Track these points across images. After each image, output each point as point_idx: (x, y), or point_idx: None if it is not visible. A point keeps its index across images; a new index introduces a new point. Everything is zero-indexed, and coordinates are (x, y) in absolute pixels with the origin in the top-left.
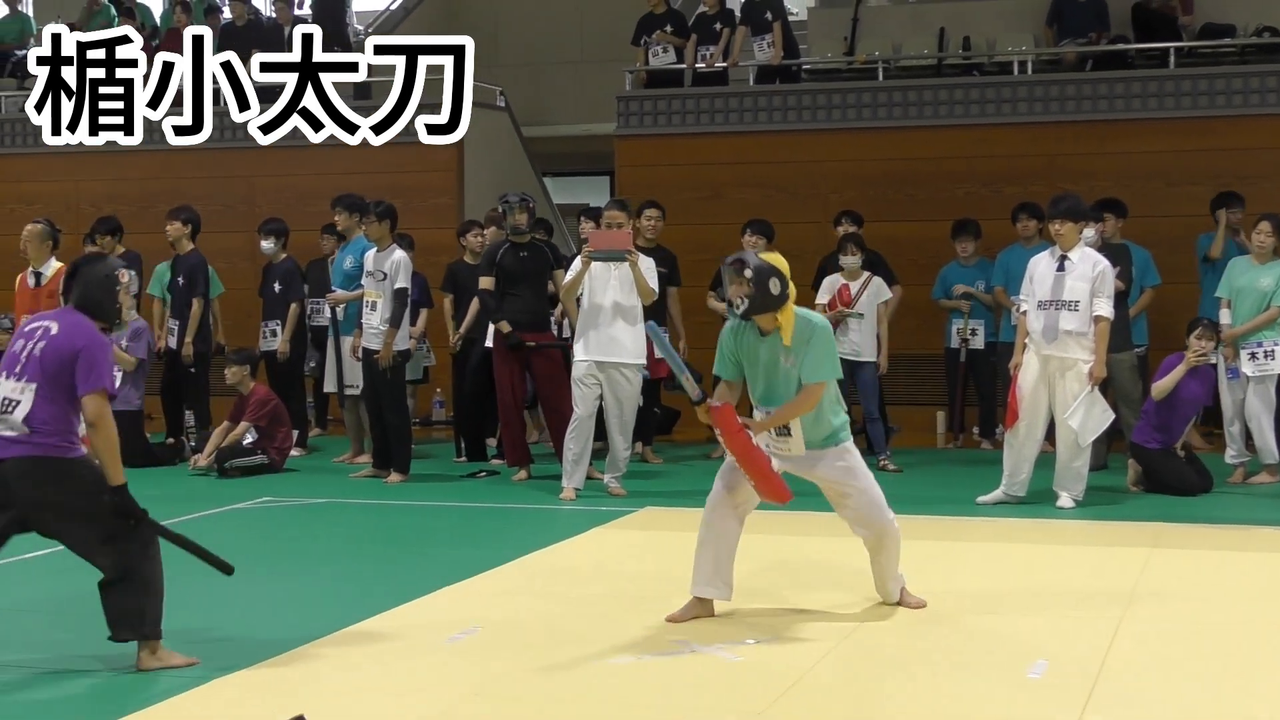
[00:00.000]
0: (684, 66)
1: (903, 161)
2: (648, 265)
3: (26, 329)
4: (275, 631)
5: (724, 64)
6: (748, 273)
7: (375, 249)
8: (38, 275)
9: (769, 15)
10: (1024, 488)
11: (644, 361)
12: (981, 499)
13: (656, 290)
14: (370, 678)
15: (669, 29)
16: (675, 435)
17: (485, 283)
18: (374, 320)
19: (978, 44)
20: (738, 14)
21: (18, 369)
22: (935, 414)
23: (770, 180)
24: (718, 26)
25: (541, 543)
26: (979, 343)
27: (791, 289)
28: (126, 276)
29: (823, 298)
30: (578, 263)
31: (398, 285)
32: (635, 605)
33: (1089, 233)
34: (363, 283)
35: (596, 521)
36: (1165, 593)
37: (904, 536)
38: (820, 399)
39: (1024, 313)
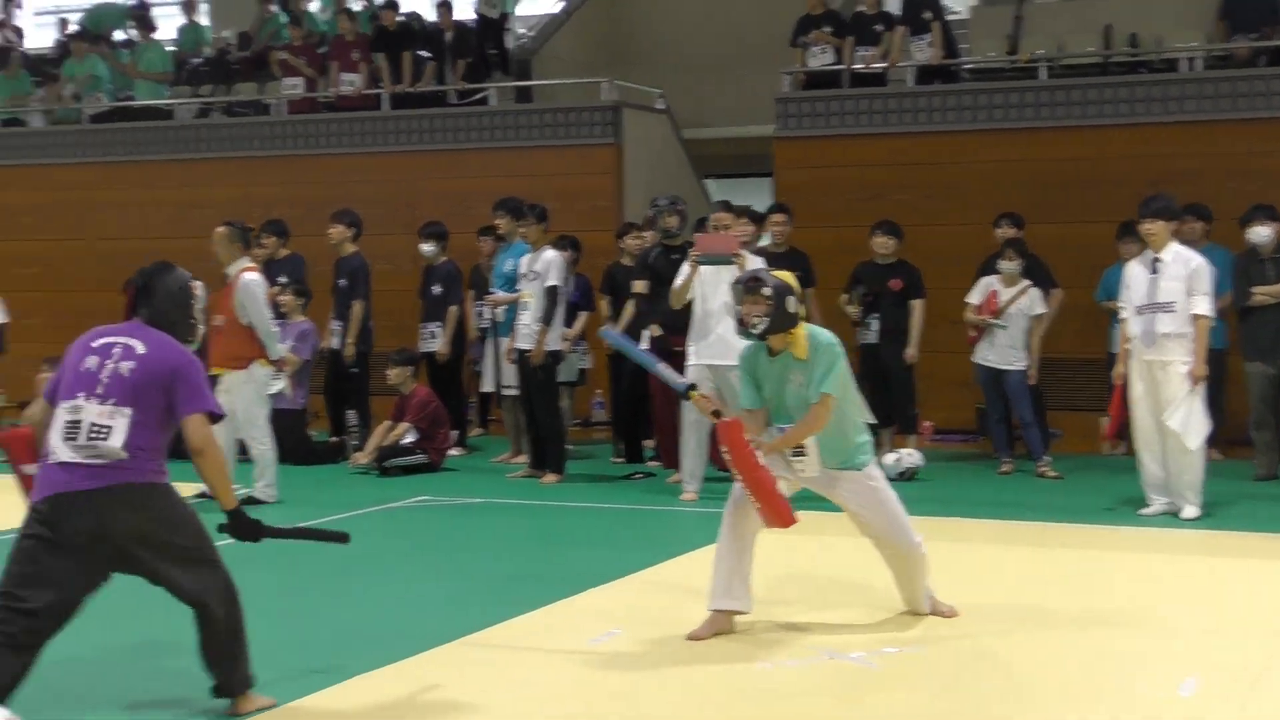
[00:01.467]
0: (843, 67)
1: (1066, 162)
2: (756, 267)
3: (96, 344)
4: (419, 629)
5: (883, 64)
6: (766, 291)
7: (531, 251)
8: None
9: (928, 14)
10: (1164, 494)
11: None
12: (1142, 511)
13: None
14: (508, 677)
15: (827, 29)
16: None
17: (639, 286)
18: (526, 319)
19: (1145, 41)
20: (897, 14)
21: (100, 390)
22: (1099, 419)
23: (930, 181)
24: (877, 27)
25: (691, 545)
26: None
27: (801, 308)
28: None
29: (974, 298)
30: (685, 267)
31: (549, 283)
32: (776, 610)
33: (1265, 230)
34: (518, 285)
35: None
36: None
37: (1058, 545)
38: (830, 416)
39: (1123, 320)
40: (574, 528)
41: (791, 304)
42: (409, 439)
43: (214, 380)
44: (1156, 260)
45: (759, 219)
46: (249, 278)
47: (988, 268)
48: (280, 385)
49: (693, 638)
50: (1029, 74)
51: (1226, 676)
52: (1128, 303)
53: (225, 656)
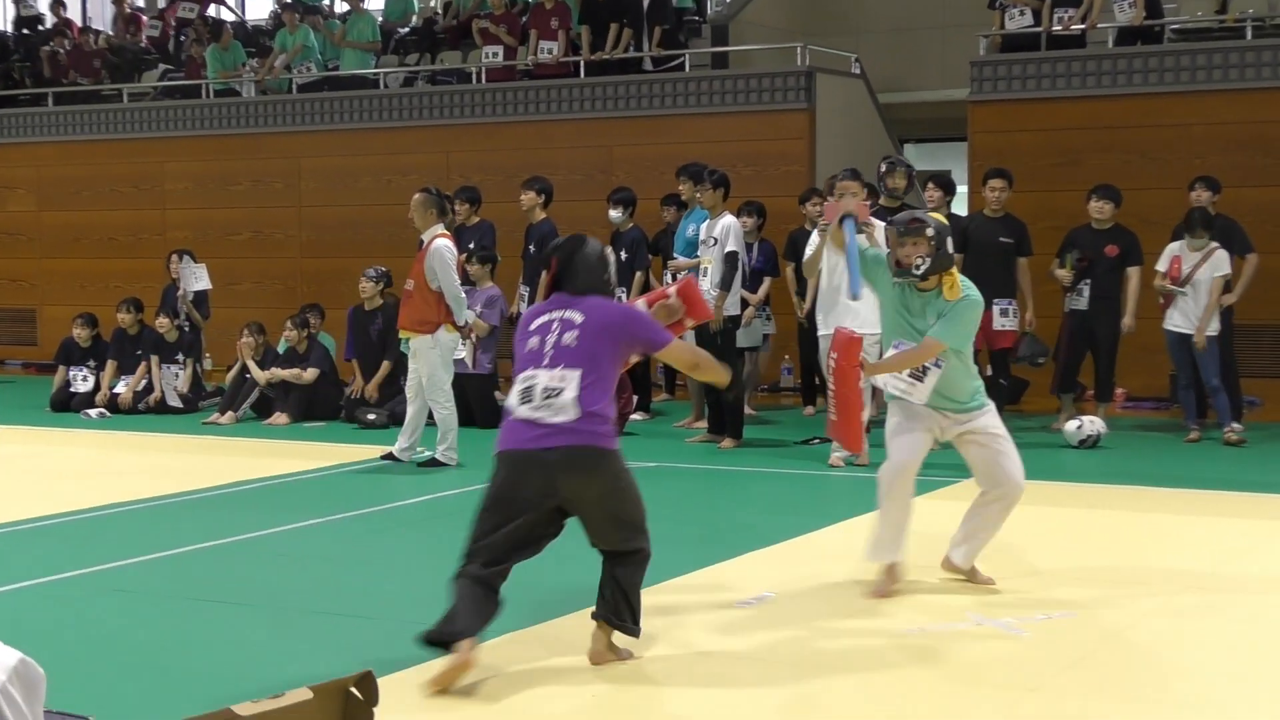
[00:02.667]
0: (1040, 29)
1: (1273, 124)
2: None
3: (533, 326)
4: (569, 591)
5: (1082, 26)
6: (929, 231)
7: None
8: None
9: None
10: None
11: (879, 332)
12: None
13: None
14: (648, 638)
15: None
16: (1023, 405)
17: None
18: (704, 285)
19: None
20: None
21: (545, 362)
22: None
23: (1129, 145)
24: None
25: (859, 510)
26: None
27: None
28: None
29: (1161, 265)
30: (815, 236)
31: (727, 249)
32: (937, 575)
33: None
34: (698, 251)
35: (919, 491)
36: None
37: (1216, 514)
38: (932, 358)
39: None
40: (744, 492)
41: (950, 245)
42: None
43: (401, 343)
44: None
45: (950, 186)
46: (440, 244)
47: (1180, 233)
48: (464, 352)
49: (879, 595)
50: (1236, 34)
51: None
52: None
53: (625, 605)
